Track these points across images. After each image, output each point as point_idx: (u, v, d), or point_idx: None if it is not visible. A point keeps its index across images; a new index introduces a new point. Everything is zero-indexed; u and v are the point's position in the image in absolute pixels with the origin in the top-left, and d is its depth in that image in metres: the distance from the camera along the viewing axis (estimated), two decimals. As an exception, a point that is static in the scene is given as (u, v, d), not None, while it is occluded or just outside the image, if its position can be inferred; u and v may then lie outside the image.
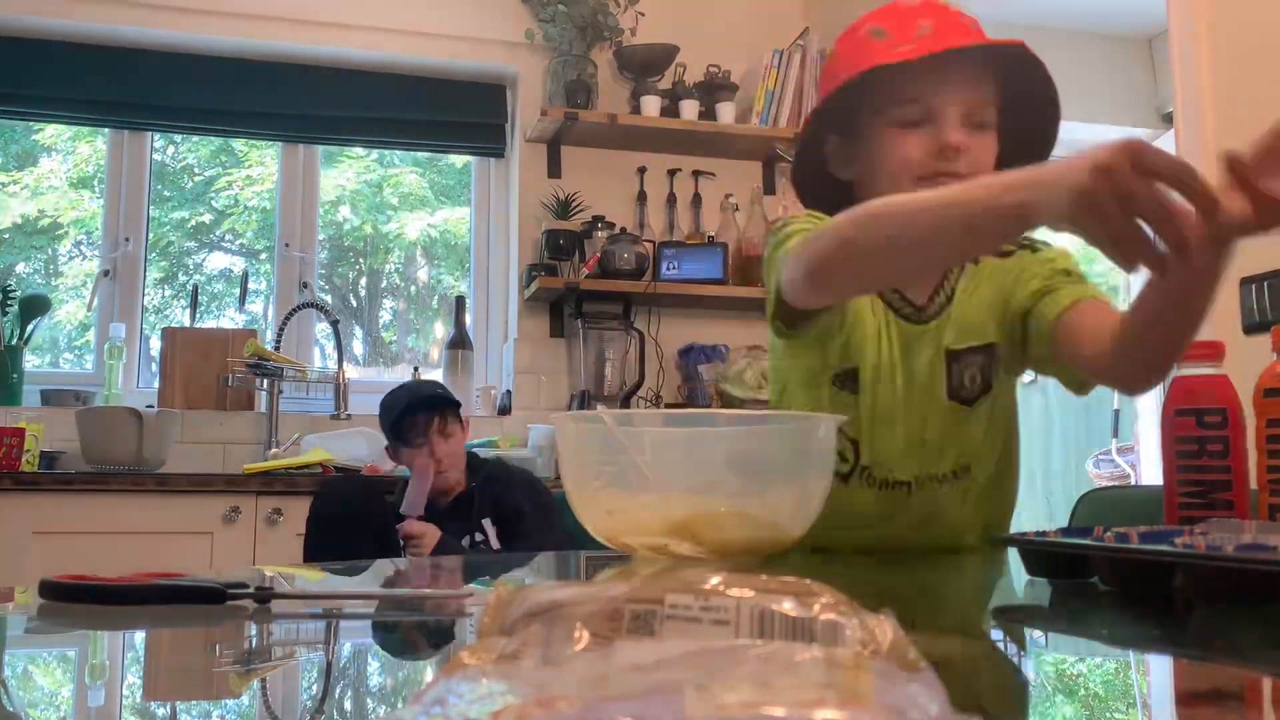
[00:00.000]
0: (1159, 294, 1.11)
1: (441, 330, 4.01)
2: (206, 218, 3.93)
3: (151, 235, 3.75)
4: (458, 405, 2.55)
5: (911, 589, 1.05)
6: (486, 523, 2.52)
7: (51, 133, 3.83)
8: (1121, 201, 0.88)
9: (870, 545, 1.35)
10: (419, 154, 4.08)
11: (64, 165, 3.82)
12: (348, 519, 2.44)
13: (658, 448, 1.07)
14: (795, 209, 3.86)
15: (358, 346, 4.14)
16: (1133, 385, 1.32)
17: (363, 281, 4.22)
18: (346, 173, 4.05)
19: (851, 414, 1.32)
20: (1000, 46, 1.30)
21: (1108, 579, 0.90)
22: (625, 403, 3.48)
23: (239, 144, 3.95)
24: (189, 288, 3.72)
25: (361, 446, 3.25)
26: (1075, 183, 0.91)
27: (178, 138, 3.91)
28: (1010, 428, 1.45)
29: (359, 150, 4.02)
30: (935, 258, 1.19)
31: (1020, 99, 1.36)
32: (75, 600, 0.82)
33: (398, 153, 4.07)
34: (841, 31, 1.40)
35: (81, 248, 3.83)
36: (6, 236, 3.71)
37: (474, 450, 2.77)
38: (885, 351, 1.35)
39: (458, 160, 4.07)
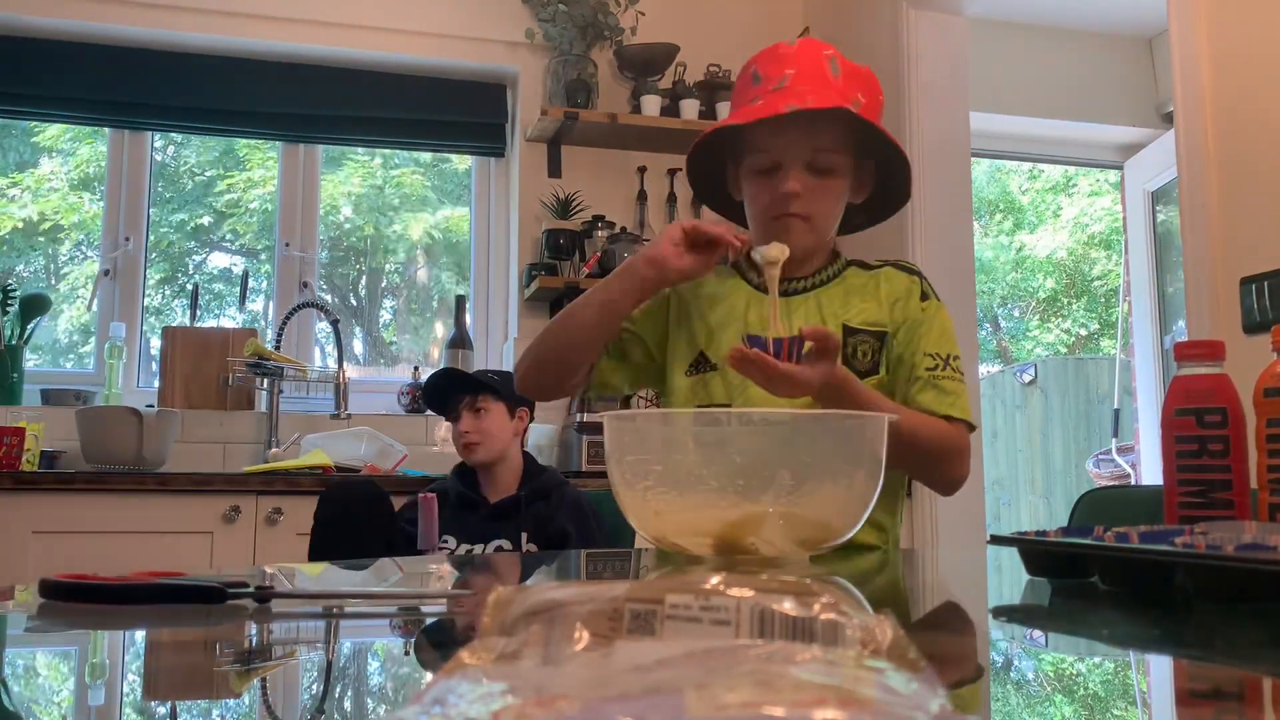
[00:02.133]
0: None
1: (441, 330, 4.01)
2: (206, 219, 3.93)
3: (152, 236, 3.75)
4: (487, 388, 2.62)
5: (911, 589, 1.05)
6: (524, 536, 2.54)
7: (52, 134, 3.83)
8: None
9: None
10: (421, 155, 4.08)
11: (64, 168, 3.82)
12: (353, 522, 2.45)
13: (705, 447, 1.07)
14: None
15: (358, 346, 4.14)
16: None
17: (363, 281, 4.22)
18: (352, 177, 4.05)
19: (715, 385, 1.54)
20: (819, 110, 1.47)
21: (1108, 579, 0.90)
22: (626, 403, 3.48)
23: (240, 145, 3.95)
24: (189, 288, 3.72)
25: (361, 446, 3.25)
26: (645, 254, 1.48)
27: (178, 138, 3.91)
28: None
29: (362, 154, 4.02)
30: (589, 344, 1.55)
31: (872, 139, 1.54)
32: (75, 600, 0.82)
33: (400, 154, 4.07)
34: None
35: (82, 248, 3.83)
36: (7, 238, 3.71)
37: (531, 455, 2.78)
38: (754, 320, 1.55)
39: (460, 163, 4.07)
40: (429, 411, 3.50)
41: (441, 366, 3.66)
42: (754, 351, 1.27)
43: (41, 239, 3.77)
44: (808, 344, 1.30)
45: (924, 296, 1.60)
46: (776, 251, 1.42)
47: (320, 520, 2.45)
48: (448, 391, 2.67)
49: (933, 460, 1.51)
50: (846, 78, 1.52)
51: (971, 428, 1.56)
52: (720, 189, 1.67)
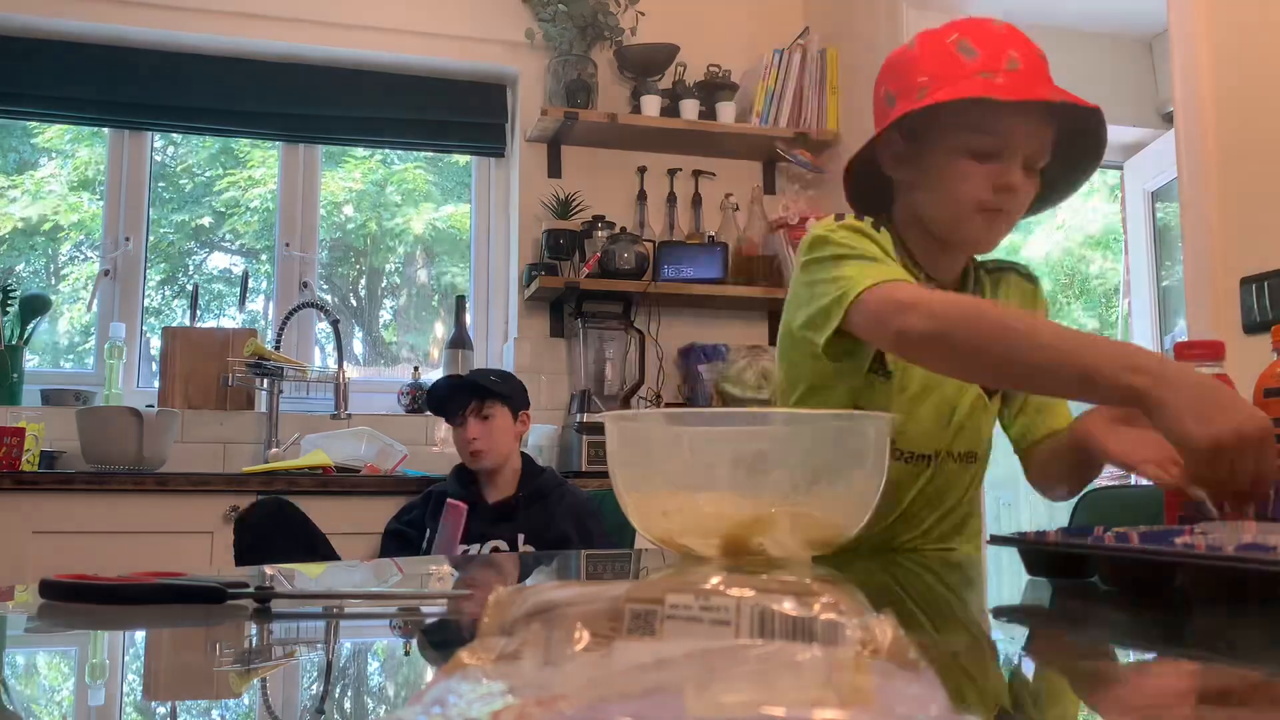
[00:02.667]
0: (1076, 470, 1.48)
1: (442, 330, 4.01)
2: (206, 220, 3.93)
3: (152, 237, 3.75)
4: (494, 394, 2.62)
5: (911, 589, 1.05)
6: (521, 538, 2.54)
7: (52, 134, 3.83)
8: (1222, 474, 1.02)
9: (882, 514, 1.36)
10: (423, 152, 4.09)
11: (64, 169, 3.82)
12: (273, 544, 2.45)
13: (712, 448, 1.06)
14: (795, 209, 3.82)
15: (358, 346, 4.14)
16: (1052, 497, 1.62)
17: (363, 281, 4.22)
18: (353, 173, 4.05)
19: (885, 396, 1.43)
20: (1084, 108, 1.37)
21: (1108, 579, 0.90)
22: (625, 403, 3.48)
23: (240, 145, 3.95)
24: (189, 288, 3.72)
25: (361, 446, 3.25)
26: (1197, 431, 1.02)
27: (178, 138, 3.91)
28: (993, 433, 1.60)
29: (361, 151, 4.02)
30: (1032, 386, 1.38)
31: (1066, 151, 1.44)
32: (75, 600, 0.82)
33: (402, 153, 4.07)
34: (922, 31, 1.45)
35: (83, 249, 3.83)
36: (6, 238, 3.71)
37: (529, 456, 2.79)
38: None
39: (460, 158, 4.07)
40: (429, 412, 3.52)
41: (441, 366, 3.67)
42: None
43: (41, 239, 3.77)
44: None
45: (1036, 296, 1.58)
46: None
47: (239, 549, 2.45)
48: (451, 396, 2.67)
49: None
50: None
51: None
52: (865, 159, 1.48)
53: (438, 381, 2.77)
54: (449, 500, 2.47)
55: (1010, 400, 1.57)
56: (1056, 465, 1.50)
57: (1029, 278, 1.59)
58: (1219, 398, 1.02)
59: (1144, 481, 1.23)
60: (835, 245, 1.35)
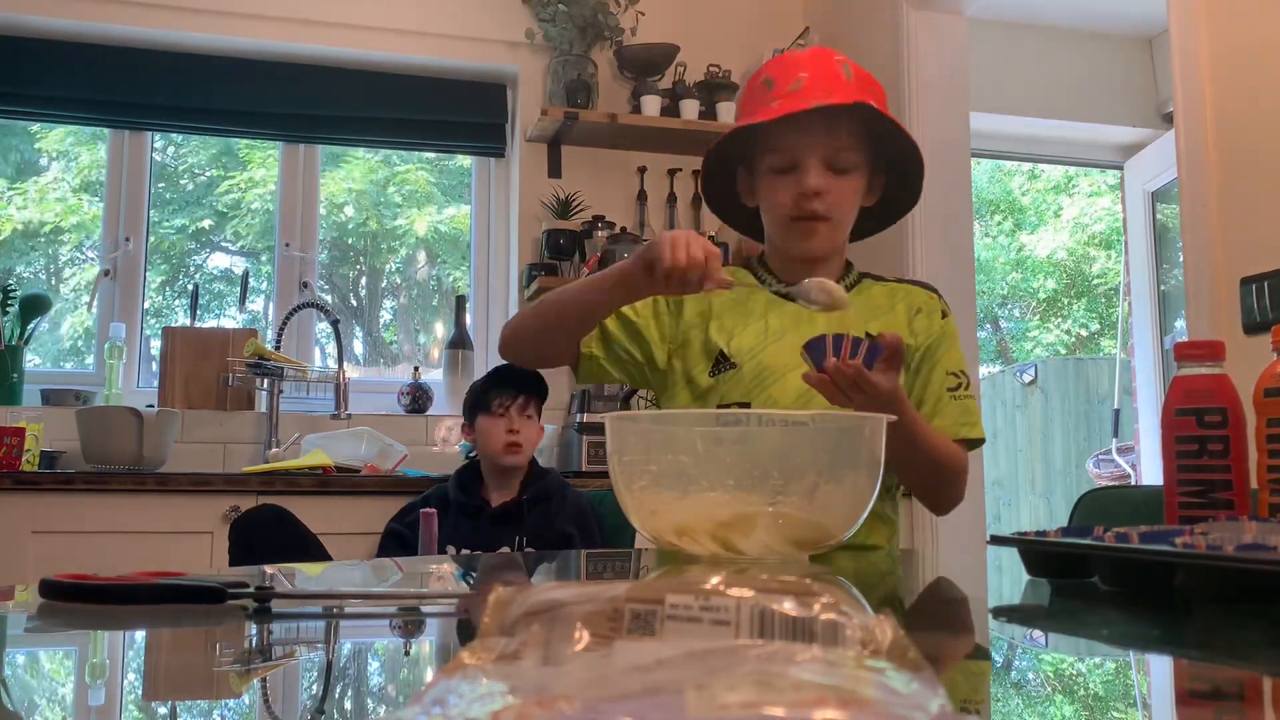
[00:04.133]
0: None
1: (442, 330, 4.01)
2: (207, 222, 3.93)
3: (152, 238, 3.75)
4: (542, 396, 2.62)
5: (912, 589, 1.06)
6: (524, 542, 2.54)
7: (54, 137, 3.83)
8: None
9: None
10: (424, 155, 4.09)
11: (66, 172, 3.82)
12: (265, 551, 2.45)
13: (702, 447, 1.07)
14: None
15: (358, 346, 4.14)
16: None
17: (363, 281, 4.22)
18: (353, 173, 4.04)
19: (735, 385, 1.53)
20: (840, 106, 1.48)
21: (1108, 579, 0.90)
22: (625, 403, 3.48)
23: (240, 145, 3.95)
24: (189, 288, 3.72)
25: (361, 446, 3.25)
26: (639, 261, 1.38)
27: (178, 138, 3.91)
28: None
29: (362, 151, 4.02)
30: (569, 325, 1.56)
31: (885, 140, 1.56)
32: (75, 600, 0.82)
33: (402, 154, 4.07)
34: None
35: (83, 250, 3.83)
36: (7, 240, 3.71)
37: (534, 458, 2.79)
38: (774, 322, 1.56)
39: (462, 158, 4.07)
40: (429, 411, 3.52)
41: (442, 366, 3.67)
42: (832, 366, 1.28)
43: (42, 240, 3.77)
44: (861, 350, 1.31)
45: (943, 314, 1.63)
46: (824, 297, 1.38)
47: (232, 557, 2.46)
48: (500, 387, 2.66)
49: (945, 480, 1.55)
50: (857, 81, 1.53)
51: (981, 443, 1.60)
52: (730, 198, 1.67)
53: (499, 369, 2.72)
54: (422, 511, 2.49)
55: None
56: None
57: (925, 287, 1.68)
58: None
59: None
60: None
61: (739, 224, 1.72)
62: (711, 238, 3.68)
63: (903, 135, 1.56)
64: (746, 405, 1.51)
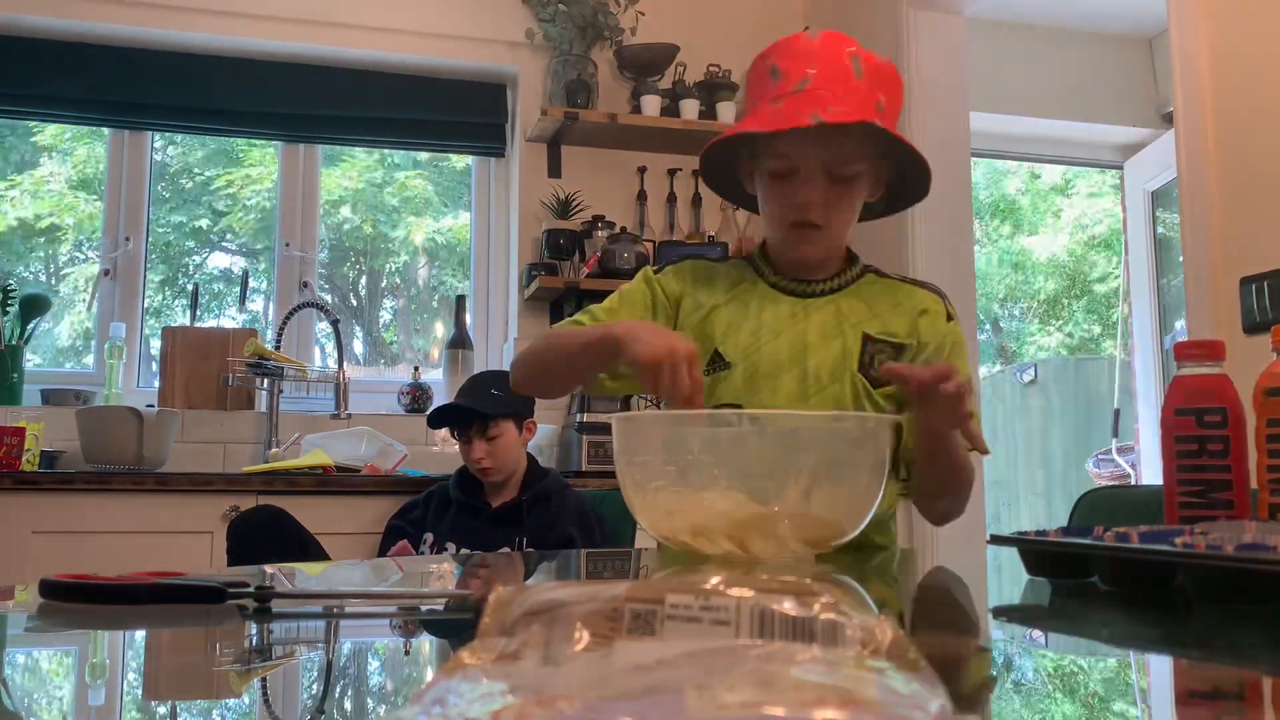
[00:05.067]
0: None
1: (442, 330, 4.01)
2: (205, 221, 3.93)
3: (151, 239, 3.75)
4: (484, 417, 2.59)
5: (911, 589, 1.06)
6: (525, 542, 2.54)
7: (51, 134, 3.83)
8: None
9: None
10: (422, 157, 4.08)
11: (63, 168, 3.82)
12: (264, 549, 2.45)
13: (715, 448, 1.06)
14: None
15: (358, 346, 4.14)
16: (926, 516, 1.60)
17: (363, 281, 4.22)
18: (350, 173, 4.04)
19: (729, 385, 1.50)
20: (842, 125, 1.41)
21: (1108, 579, 0.90)
22: (625, 403, 3.47)
23: (238, 144, 3.95)
24: (189, 288, 3.72)
25: (361, 446, 3.25)
26: (637, 352, 1.29)
27: (178, 137, 3.91)
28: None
29: (360, 154, 4.02)
30: (568, 372, 1.55)
31: (893, 144, 1.49)
32: (75, 600, 0.82)
33: (401, 158, 4.07)
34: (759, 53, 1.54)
35: (83, 249, 3.83)
36: (5, 239, 3.71)
37: (533, 457, 2.78)
38: (769, 320, 1.52)
39: (458, 162, 4.07)
40: (429, 411, 3.52)
41: (442, 366, 3.67)
42: (927, 373, 1.25)
43: (41, 239, 3.77)
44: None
45: (949, 318, 1.58)
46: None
47: (230, 556, 2.46)
48: (444, 421, 2.68)
49: (961, 492, 1.53)
50: (869, 77, 1.46)
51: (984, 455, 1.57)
52: (733, 181, 1.62)
53: (435, 410, 2.74)
54: (397, 545, 2.50)
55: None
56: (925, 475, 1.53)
57: (931, 289, 1.62)
58: (654, 330, 1.33)
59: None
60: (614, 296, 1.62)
61: (741, 200, 1.67)
62: (711, 238, 3.69)
63: (909, 149, 1.49)
64: (738, 407, 1.49)
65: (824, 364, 1.50)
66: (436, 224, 4.08)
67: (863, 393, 1.50)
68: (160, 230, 3.84)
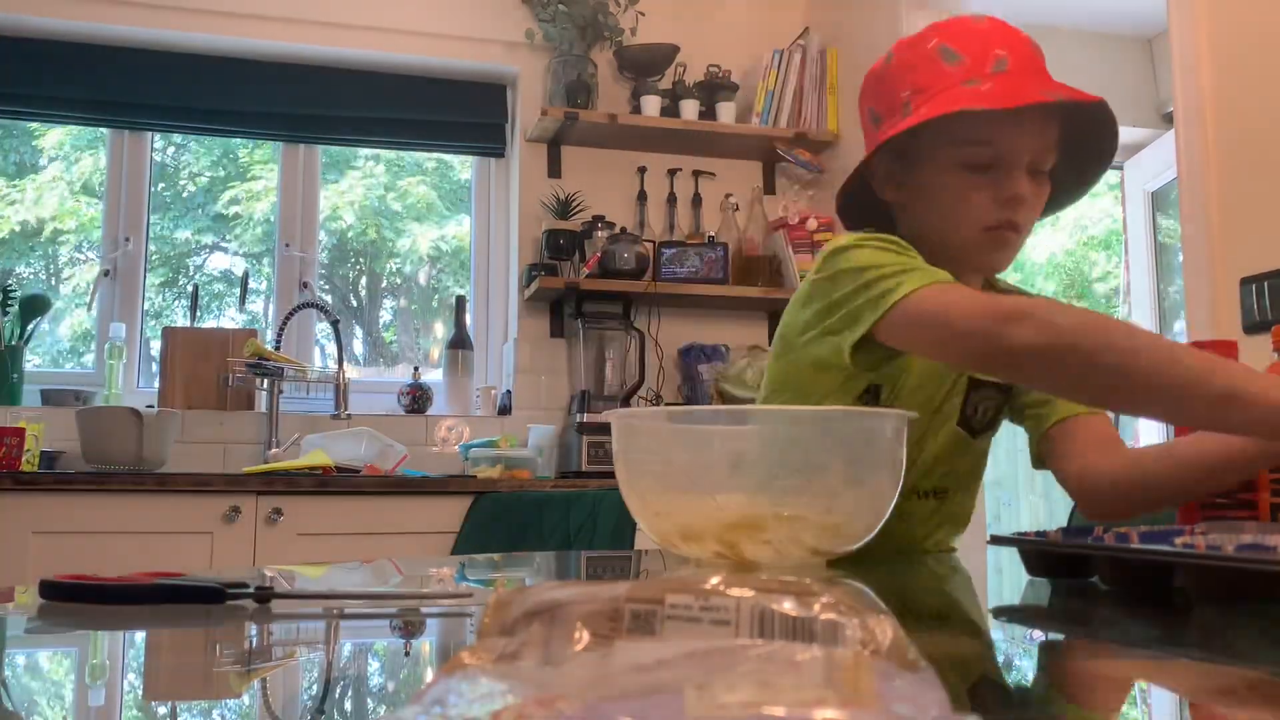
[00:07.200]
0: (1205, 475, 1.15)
1: (442, 330, 4.01)
2: (209, 238, 3.93)
3: (151, 245, 3.75)
4: None
5: (912, 589, 1.05)
6: None
7: (53, 138, 3.82)
8: None
9: None
10: (425, 164, 4.09)
11: (66, 173, 3.82)
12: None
13: (719, 447, 1.00)
14: (795, 209, 3.82)
15: (358, 346, 4.14)
16: (1103, 518, 1.32)
17: (363, 281, 4.22)
18: (355, 187, 4.04)
19: None
20: (1088, 105, 1.27)
21: (1108, 579, 0.90)
22: (625, 403, 3.48)
23: (242, 152, 3.95)
24: (189, 288, 3.72)
25: (361, 446, 3.25)
26: None
27: (178, 139, 3.91)
28: (986, 460, 1.51)
29: (365, 156, 4.01)
30: (1135, 402, 1.08)
31: (1075, 146, 1.34)
32: (75, 600, 0.82)
33: (406, 163, 4.07)
34: (900, 39, 1.35)
35: (83, 250, 3.83)
36: (6, 240, 3.71)
37: None
38: (917, 371, 1.33)
39: (461, 170, 4.07)
40: (429, 411, 3.53)
41: (442, 367, 3.67)
42: None
43: (42, 241, 3.77)
44: None
45: None
46: None
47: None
48: None
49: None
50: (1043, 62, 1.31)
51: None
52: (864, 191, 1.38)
53: None
54: None
55: (1016, 398, 1.43)
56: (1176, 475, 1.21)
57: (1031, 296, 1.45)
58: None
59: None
60: (873, 247, 1.22)
61: (855, 219, 1.42)
62: (711, 238, 3.69)
63: (1110, 143, 1.35)
64: None
65: (935, 429, 1.35)
66: (441, 230, 4.08)
67: (959, 449, 1.38)
68: (160, 236, 3.84)
